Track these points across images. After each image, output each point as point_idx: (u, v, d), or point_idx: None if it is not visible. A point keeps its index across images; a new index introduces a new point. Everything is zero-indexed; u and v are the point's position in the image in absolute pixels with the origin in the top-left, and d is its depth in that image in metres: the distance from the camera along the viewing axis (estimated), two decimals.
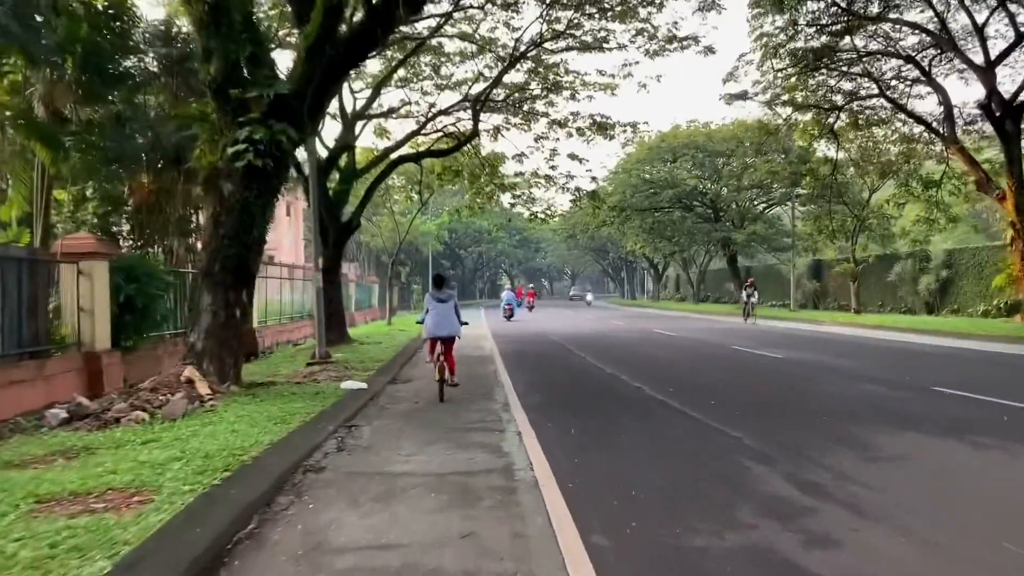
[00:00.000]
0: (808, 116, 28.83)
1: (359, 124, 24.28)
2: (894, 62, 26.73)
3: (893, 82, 27.42)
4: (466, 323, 11.90)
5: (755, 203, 41.24)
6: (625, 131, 26.60)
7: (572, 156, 26.31)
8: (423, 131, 25.35)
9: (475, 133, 22.96)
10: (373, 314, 44.42)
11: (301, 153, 17.19)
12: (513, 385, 12.32)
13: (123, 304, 11.72)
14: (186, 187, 18.63)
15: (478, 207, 30.92)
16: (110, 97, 15.65)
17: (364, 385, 11.74)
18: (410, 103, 25.56)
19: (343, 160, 22.66)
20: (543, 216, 28.68)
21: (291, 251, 47.81)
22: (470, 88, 24.25)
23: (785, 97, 28.16)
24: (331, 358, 15.97)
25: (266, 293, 22.77)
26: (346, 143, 21.59)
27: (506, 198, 31.16)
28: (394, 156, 23.48)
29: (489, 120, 26.45)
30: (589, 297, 64.05)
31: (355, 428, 8.77)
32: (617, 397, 11.03)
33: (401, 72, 25.03)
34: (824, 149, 31.02)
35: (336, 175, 22.74)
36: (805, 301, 46.24)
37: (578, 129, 26.15)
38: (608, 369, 14.59)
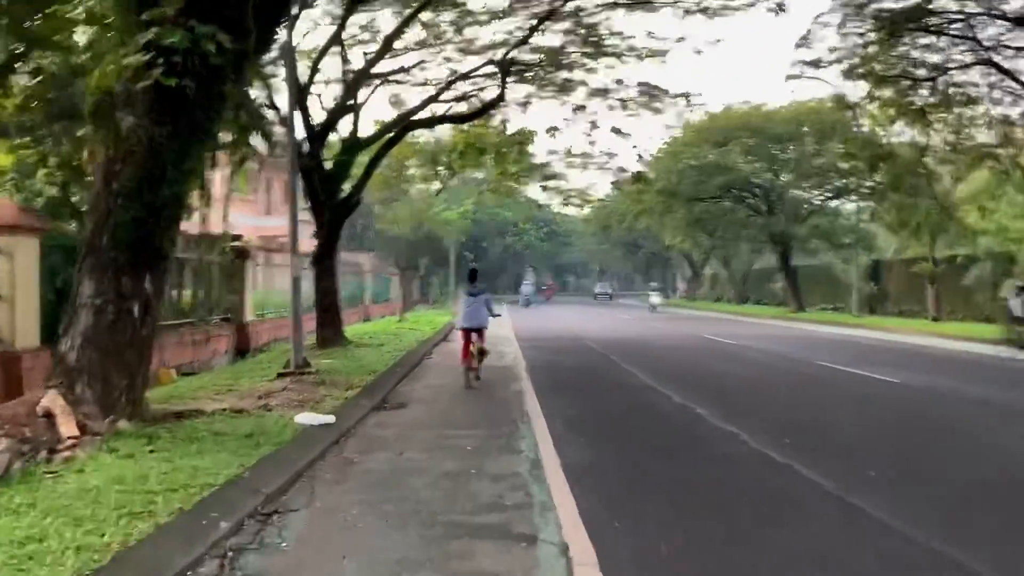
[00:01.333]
0: (887, 92, 24.65)
1: (365, 91, 20.60)
2: (991, 31, 22.55)
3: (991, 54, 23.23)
4: (498, 315, 12.91)
5: (817, 194, 36.91)
6: (676, 103, 22.69)
7: (616, 130, 22.05)
8: (440, 98, 21.66)
9: (501, 97, 19.20)
10: (391, 308, 40.98)
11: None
12: (548, 424, 8.55)
13: (61, 291, 9.09)
14: None
15: (503, 192, 27.23)
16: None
17: (331, 418, 8.07)
18: (426, 63, 21.90)
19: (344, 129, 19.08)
20: (578, 202, 24.89)
21: (304, 240, 44.25)
22: (499, 52, 20.53)
23: (862, 70, 24.02)
24: (309, 367, 12.36)
25: (262, 282, 20.40)
26: (345, 105, 17.95)
27: (535, 183, 27.51)
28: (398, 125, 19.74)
29: (518, 90, 22.71)
30: (655, 299, 41.66)
31: (278, 518, 5.08)
32: (709, 454, 7.26)
33: (419, 32, 21.33)
34: (897, 134, 26.79)
35: (327, 151, 19.12)
36: (862, 305, 41.97)
37: (622, 101, 22.30)
38: (675, 396, 10.79)
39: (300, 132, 17.86)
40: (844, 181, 35.34)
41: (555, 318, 35.59)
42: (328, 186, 17.36)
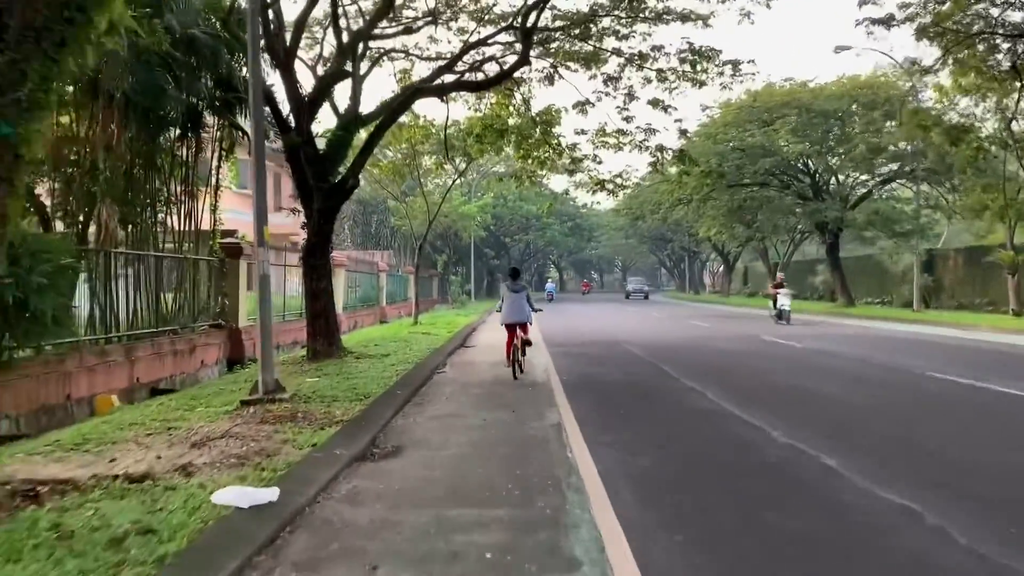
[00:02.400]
0: (963, 55, 21.39)
1: (366, 65, 17.73)
2: None
3: None
4: (539, 310, 13.38)
5: (867, 178, 33.43)
6: (722, 73, 19.58)
7: (654, 103, 18.97)
8: (455, 68, 18.85)
9: (524, 60, 16.26)
10: (408, 307, 38.26)
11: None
12: (609, 493, 5.55)
13: None
14: (124, 133, 12.80)
15: (527, 177, 24.29)
16: None
17: (271, 494, 5.15)
18: (436, 39, 19.10)
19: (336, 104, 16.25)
20: (612, 186, 21.80)
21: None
22: (518, 20, 17.61)
23: (933, 30, 20.81)
24: (283, 392, 9.55)
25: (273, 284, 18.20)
26: (340, 71, 15.09)
27: (561, 168, 24.68)
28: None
29: (541, 65, 19.80)
30: (785, 302, 26.80)
31: None
32: (907, 565, 4.30)
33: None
34: (963, 109, 23.48)
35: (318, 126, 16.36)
36: (911, 298, 38.57)
37: (659, 72, 19.28)
38: (773, 430, 7.81)
39: (285, 105, 15.13)
40: (898, 164, 32.02)
41: (584, 318, 32.62)
42: (319, 168, 14.53)
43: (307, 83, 16.10)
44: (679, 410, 9.25)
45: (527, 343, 12.28)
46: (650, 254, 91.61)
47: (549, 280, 74.33)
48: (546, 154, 21.85)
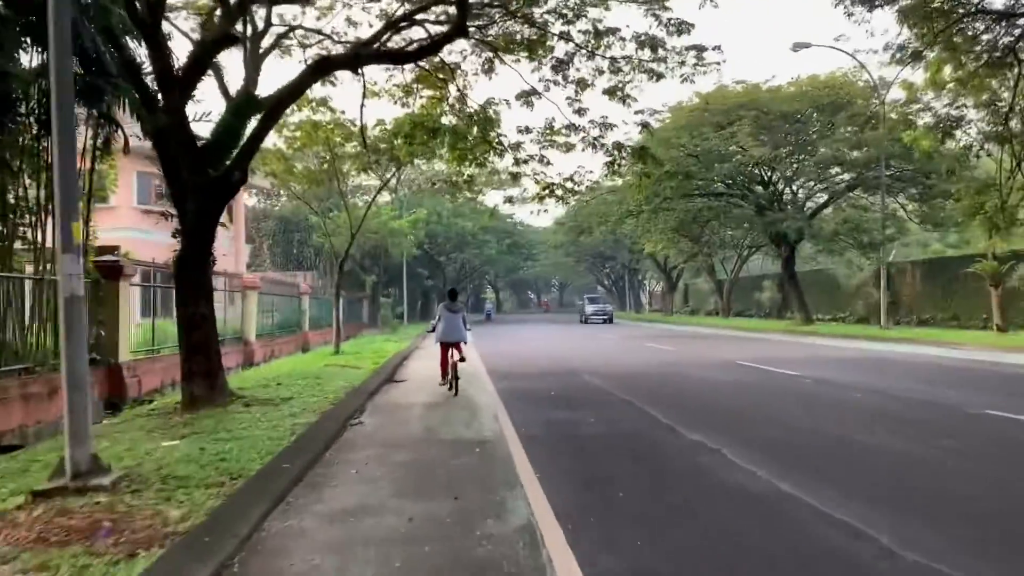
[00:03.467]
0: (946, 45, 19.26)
1: (269, 38, 14.44)
2: None
3: None
4: (470, 329, 13.66)
5: (831, 184, 31.27)
6: (683, 62, 16.91)
7: (611, 91, 16.13)
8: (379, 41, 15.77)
9: (460, 31, 13.19)
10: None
11: None
12: None
13: None
14: None
15: (464, 183, 21.34)
16: None
17: None
18: (356, 22, 16.02)
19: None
20: (562, 191, 18.90)
21: (230, 258, 38.09)
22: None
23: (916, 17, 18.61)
24: (101, 474, 6.22)
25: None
26: (225, 35, 11.80)
27: (504, 173, 21.84)
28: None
29: (476, 59, 16.93)
30: None
31: None
32: None
33: None
34: (940, 107, 21.46)
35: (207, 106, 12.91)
36: (868, 314, 36.86)
37: (612, 61, 16.56)
38: (880, 535, 4.87)
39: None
40: (857, 172, 30.07)
41: (528, 343, 29.63)
42: (197, 159, 11.17)
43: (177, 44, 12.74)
44: (707, 492, 6.21)
45: (462, 359, 12.88)
46: (588, 273, 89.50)
47: (488, 301, 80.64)
48: (485, 155, 18.84)
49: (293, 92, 12.30)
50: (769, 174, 31.93)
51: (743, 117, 27.13)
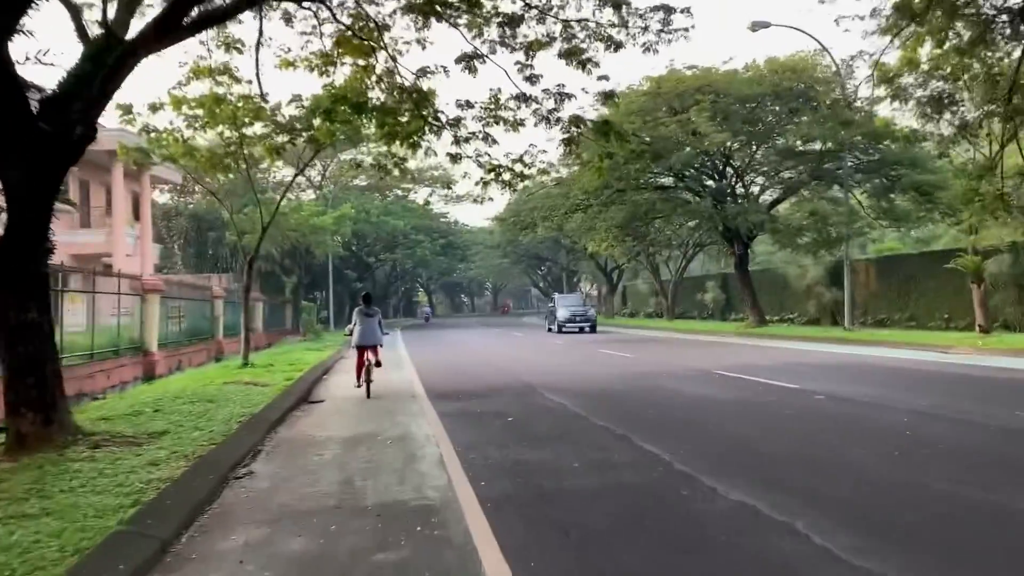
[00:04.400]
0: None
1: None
2: None
3: None
4: (387, 333, 15.05)
5: (793, 175, 29.30)
6: (647, 27, 14.38)
7: (570, 55, 13.37)
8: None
9: None
10: (258, 340, 31.35)
11: None
12: None
13: None
14: None
15: (394, 165, 18.50)
16: None
17: None
18: None
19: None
20: (510, 175, 16.21)
21: (135, 259, 34.34)
22: None
23: None
24: None
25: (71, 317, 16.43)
26: None
27: (441, 157, 19.16)
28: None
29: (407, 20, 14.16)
30: None
31: None
32: None
33: None
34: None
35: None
36: (819, 315, 35.30)
37: (565, 25, 13.98)
38: None
39: None
40: (815, 162, 28.31)
41: (467, 350, 26.87)
42: (26, 108, 8.09)
43: None
44: None
45: (378, 364, 13.37)
46: (523, 275, 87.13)
47: (425, 305, 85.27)
48: (419, 133, 16.00)
49: (168, 19, 9.21)
50: (722, 165, 29.87)
51: (700, 101, 24.96)
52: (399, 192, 59.21)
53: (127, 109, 17.72)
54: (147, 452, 7.55)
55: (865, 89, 21.26)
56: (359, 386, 13.08)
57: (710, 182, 31.11)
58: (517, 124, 15.75)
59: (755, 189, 32.54)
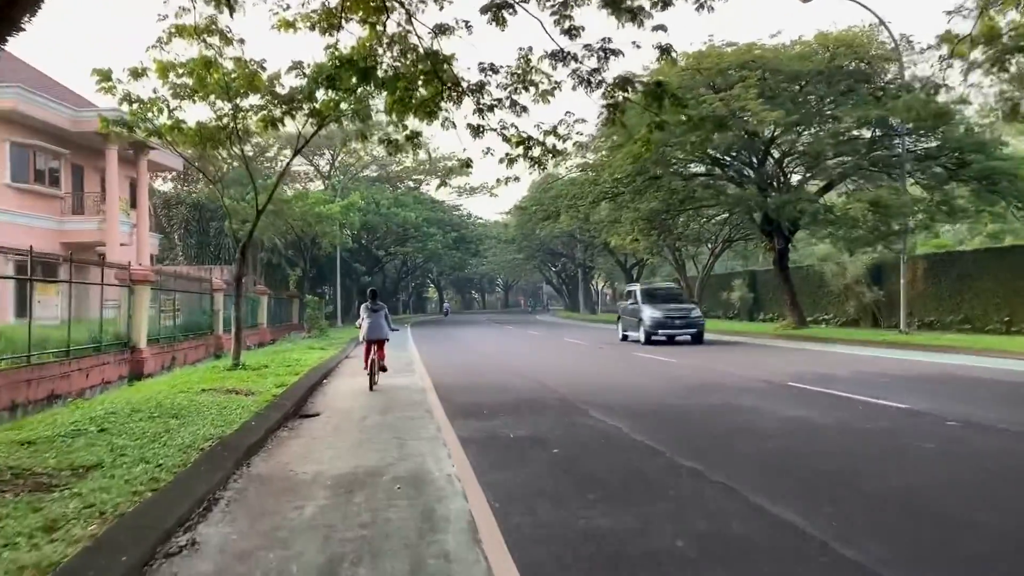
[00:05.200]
0: None
1: None
2: None
3: None
4: (396, 329, 14.91)
5: (847, 160, 26.69)
6: None
7: (614, 3, 10.83)
8: None
9: None
10: (259, 335, 29.32)
11: None
12: None
13: None
14: None
15: (408, 140, 16.21)
16: None
17: None
18: None
19: None
20: (541, 150, 13.89)
21: (130, 249, 32.28)
22: None
23: None
24: None
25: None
26: None
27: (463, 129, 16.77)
28: None
29: None
30: None
31: None
32: None
33: None
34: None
35: None
36: (859, 315, 32.81)
37: None
38: None
39: None
40: (866, 148, 25.83)
41: (484, 348, 24.53)
42: None
43: None
44: None
45: (384, 368, 13.77)
46: (536, 271, 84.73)
47: (445, 302, 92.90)
48: (436, 101, 13.70)
49: None
50: (763, 151, 27.31)
51: (746, 78, 22.48)
52: (411, 184, 57.05)
53: (106, 75, 15.51)
54: (52, 504, 5.26)
55: (925, 68, 18.85)
56: (365, 368, 13.60)
57: (748, 171, 28.61)
58: (549, 91, 13.44)
59: (795, 178, 30.00)
